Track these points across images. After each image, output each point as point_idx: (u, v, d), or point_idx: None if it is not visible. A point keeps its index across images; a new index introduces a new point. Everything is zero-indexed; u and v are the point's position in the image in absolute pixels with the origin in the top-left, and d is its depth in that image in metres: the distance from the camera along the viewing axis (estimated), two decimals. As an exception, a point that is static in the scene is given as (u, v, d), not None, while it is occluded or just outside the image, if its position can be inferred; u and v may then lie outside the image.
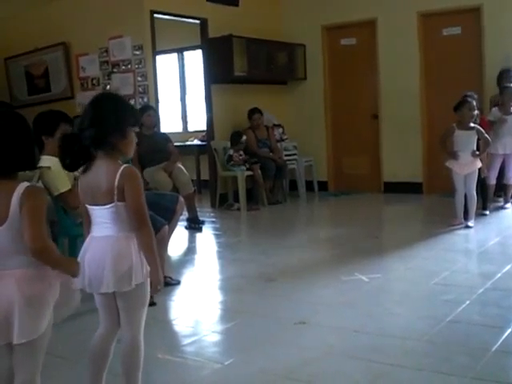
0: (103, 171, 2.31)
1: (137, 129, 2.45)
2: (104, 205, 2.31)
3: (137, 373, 2.46)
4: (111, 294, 2.39)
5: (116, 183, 2.27)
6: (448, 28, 8.34)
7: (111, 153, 2.34)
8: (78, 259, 2.36)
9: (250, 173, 8.10)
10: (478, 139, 6.12)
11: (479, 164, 6.11)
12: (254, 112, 8.42)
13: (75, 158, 2.33)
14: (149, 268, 2.35)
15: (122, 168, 2.30)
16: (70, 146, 2.32)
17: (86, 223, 2.46)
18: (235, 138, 8.14)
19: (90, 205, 2.36)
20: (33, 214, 1.98)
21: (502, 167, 7.03)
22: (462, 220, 6.14)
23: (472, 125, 6.04)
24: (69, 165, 2.36)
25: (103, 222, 2.34)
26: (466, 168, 6.08)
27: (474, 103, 6.04)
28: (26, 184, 2.02)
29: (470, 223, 6.09)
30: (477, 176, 6.14)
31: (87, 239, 2.42)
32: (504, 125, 6.81)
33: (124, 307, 2.42)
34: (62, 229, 4.36)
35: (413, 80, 8.52)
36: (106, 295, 2.40)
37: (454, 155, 6.06)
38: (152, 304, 4.00)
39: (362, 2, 8.79)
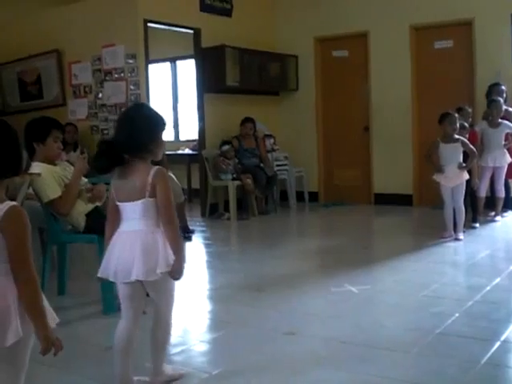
0: (138, 171, 2.63)
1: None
2: (136, 200, 2.60)
3: (166, 346, 2.88)
4: (138, 284, 2.66)
5: (150, 181, 2.59)
6: (440, 41, 8.39)
7: (146, 156, 2.66)
8: (107, 252, 2.66)
9: (240, 182, 8.13)
10: (466, 156, 6.16)
11: (466, 176, 6.11)
12: (246, 120, 8.48)
13: (111, 162, 2.64)
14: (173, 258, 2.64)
15: (155, 168, 2.62)
16: (107, 152, 2.63)
17: (110, 221, 2.72)
18: (220, 145, 8.24)
19: (123, 201, 2.65)
20: (16, 243, 1.92)
21: (493, 180, 7.08)
22: (452, 232, 6.16)
23: (457, 137, 6.06)
24: (103, 168, 2.67)
25: (133, 217, 2.63)
26: (453, 181, 6.09)
27: (456, 116, 6.06)
28: (10, 203, 1.93)
29: (460, 236, 6.11)
30: (464, 188, 6.14)
31: (116, 233, 2.67)
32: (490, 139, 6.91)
33: (155, 294, 2.74)
34: (51, 236, 4.34)
35: (404, 93, 8.56)
36: (132, 285, 2.66)
37: (439, 169, 6.09)
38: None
39: (355, 14, 8.84)
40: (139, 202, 2.60)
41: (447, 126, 6.02)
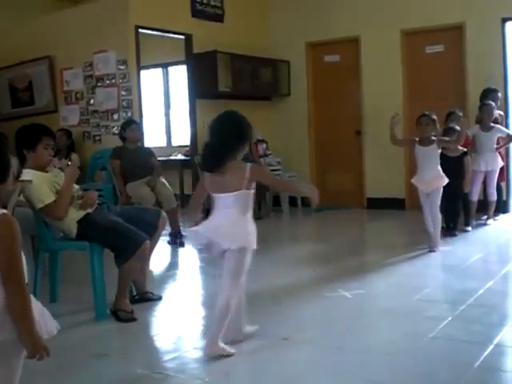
0: (235, 168, 3.17)
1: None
2: (232, 192, 3.15)
3: (222, 321, 3.22)
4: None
5: (247, 176, 3.15)
6: (431, 46, 8.43)
7: (240, 154, 3.23)
8: (197, 227, 3.30)
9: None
10: (459, 159, 6.15)
11: (445, 181, 5.80)
12: None
13: (217, 162, 3.17)
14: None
15: (249, 166, 3.20)
16: (213, 154, 3.19)
17: (196, 197, 3.48)
18: None
19: (217, 193, 3.22)
20: (4, 252, 1.90)
21: (485, 183, 7.10)
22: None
23: (433, 139, 5.80)
24: (210, 168, 3.24)
25: (226, 206, 3.19)
26: (430, 185, 5.82)
27: (431, 117, 5.80)
28: (1, 211, 1.92)
29: (435, 248, 5.78)
30: (441, 194, 5.83)
31: (209, 218, 3.30)
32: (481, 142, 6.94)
33: (228, 265, 3.27)
34: (42, 243, 4.32)
35: (396, 97, 8.58)
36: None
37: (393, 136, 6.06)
38: (132, 319, 3.99)
39: (346, 19, 8.87)
40: (232, 194, 3.15)
41: (418, 127, 5.83)
